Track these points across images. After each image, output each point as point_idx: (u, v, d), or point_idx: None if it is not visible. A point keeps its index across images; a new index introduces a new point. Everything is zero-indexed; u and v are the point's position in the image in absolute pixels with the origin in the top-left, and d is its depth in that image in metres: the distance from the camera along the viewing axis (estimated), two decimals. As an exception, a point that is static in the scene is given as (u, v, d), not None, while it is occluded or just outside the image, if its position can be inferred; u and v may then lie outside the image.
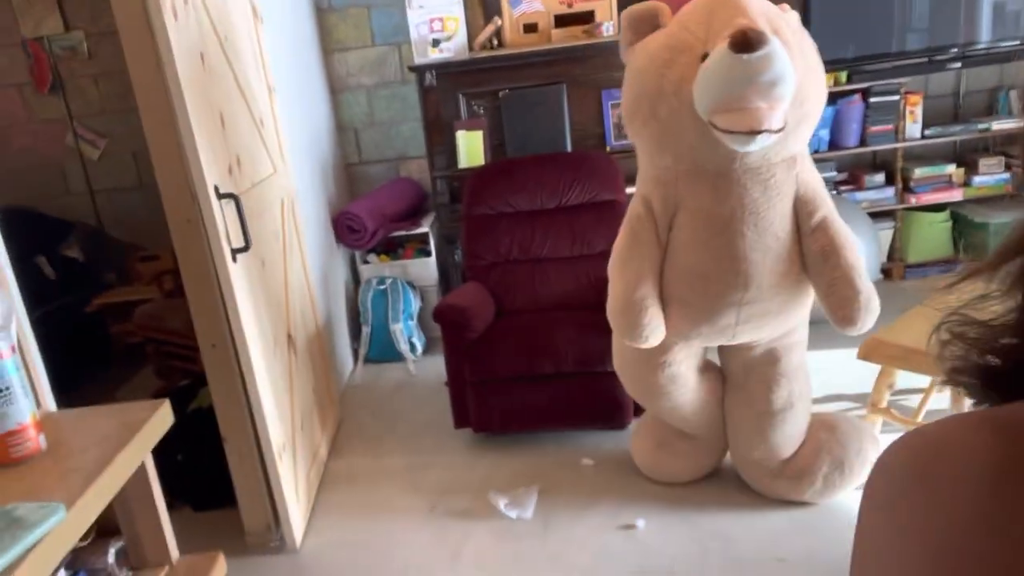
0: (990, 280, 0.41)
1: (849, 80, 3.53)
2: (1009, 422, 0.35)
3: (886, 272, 3.84)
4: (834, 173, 3.72)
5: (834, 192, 3.69)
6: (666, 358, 2.11)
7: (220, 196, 1.98)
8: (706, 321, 1.99)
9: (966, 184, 3.71)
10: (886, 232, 3.80)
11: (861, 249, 3.12)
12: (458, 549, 2.21)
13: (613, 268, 2.07)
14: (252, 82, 2.45)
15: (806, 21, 3.38)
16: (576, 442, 2.65)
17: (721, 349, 2.25)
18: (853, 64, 3.52)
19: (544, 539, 2.20)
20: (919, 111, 3.61)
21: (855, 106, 3.59)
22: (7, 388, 0.90)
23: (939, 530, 0.33)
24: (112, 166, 3.88)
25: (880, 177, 3.72)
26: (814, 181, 1.96)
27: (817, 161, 3.61)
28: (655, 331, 1.96)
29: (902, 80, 3.55)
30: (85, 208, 3.91)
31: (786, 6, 1.91)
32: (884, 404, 2.38)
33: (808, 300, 2.05)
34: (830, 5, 3.43)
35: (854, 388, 2.73)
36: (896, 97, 3.56)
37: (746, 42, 1.56)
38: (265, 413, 2.12)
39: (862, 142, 3.64)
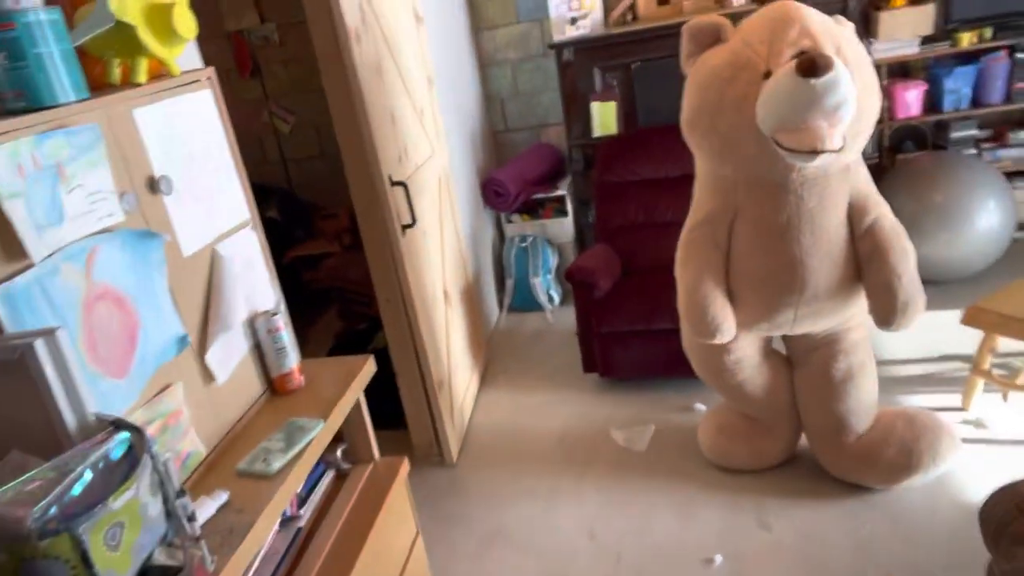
0: None
1: (995, 37, 3.46)
2: None
3: (1029, 231, 3.78)
4: (976, 131, 3.68)
5: (975, 151, 3.67)
6: (730, 344, 2.26)
7: (392, 184, 2.48)
8: (766, 319, 2.15)
9: (1125, 140, 3.55)
10: (1031, 190, 3.72)
11: (992, 208, 3.17)
12: (582, 473, 2.66)
13: (677, 271, 2.22)
14: (415, 78, 2.91)
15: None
16: (689, 389, 3.00)
17: (784, 336, 2.36)
18: (999, 19, 3.44)
19: (654, 470, 2.60)
20: (1073, 66, 3.48)
21: (1001, 63, 3.51)
22: (284, 347, 1.44)
23: None
24: (299, 138, 4.56)
25: (1026, 134, 3.64)
26: (866, 185, 2.06)
27: (958, 120, 3.63)
28: (722, 328, 2.10)
29: (1054, 34, 3.43)
30: (279, 175, 4.64)
31: (841, 18, 1.98)
32: (986, 366, 2.53)
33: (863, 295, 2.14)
34: (974, -39, 3.36)
35: (965, 348, 2.86)
36: (1047, 52, 3.45)
37: (813, 67, 1.67)
38: (428, 355, 2.66)
39: (1007, 99, 3.57)
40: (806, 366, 2.35)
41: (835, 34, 1.87)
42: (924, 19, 3.42)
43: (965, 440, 2.43)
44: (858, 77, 1.85)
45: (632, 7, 3.64)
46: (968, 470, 2.30)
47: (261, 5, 4.29)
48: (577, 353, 3.17)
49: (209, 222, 1.37)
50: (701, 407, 2.88)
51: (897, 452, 2.21)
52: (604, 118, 3.72)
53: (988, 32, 3.46)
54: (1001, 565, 1.46)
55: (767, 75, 1.83)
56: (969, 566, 1.95)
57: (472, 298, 3.44)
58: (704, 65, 1.97)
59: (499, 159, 4.35)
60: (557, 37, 3.67)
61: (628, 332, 3.02)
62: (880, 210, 2.05)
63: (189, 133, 1.34)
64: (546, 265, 3.98)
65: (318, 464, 1.56)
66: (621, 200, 3.41)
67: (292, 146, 4.60)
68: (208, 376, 1.32)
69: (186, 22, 1.24)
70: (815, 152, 1.77)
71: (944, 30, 3.48)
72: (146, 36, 1.18)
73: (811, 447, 2.43)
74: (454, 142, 3.57)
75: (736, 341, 2.27)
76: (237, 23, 4.34)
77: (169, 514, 0.95)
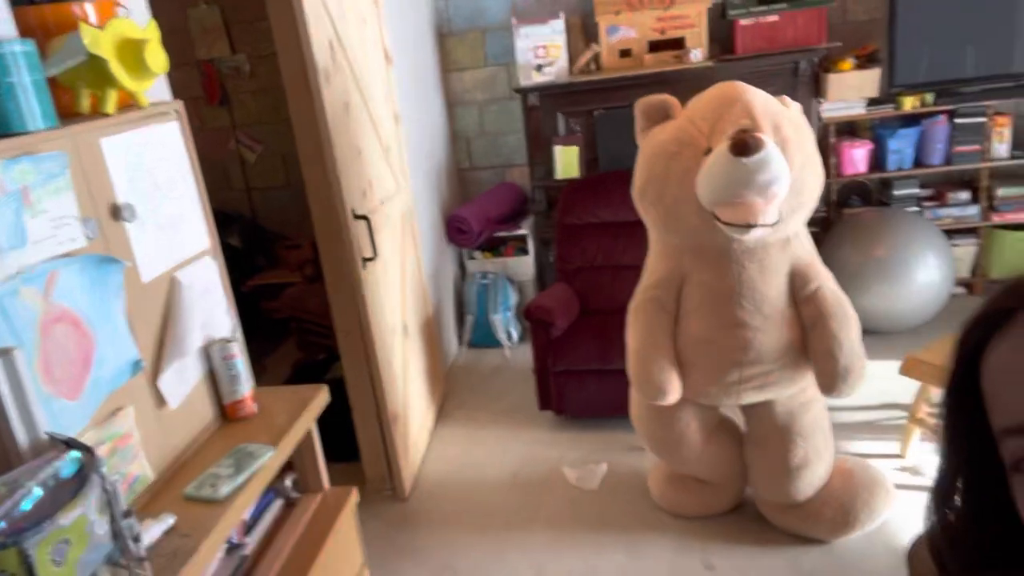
0: None
1: (936, 102, 3.67)
2: None
3: (968, 286, 3.97)
4: (917, 190, 3.87)
5: (916, 208, 3.86)
6: (678, 414, 2.30)
7: (356, 217, 2.52)
8: (714, 382, 2.17)
9: (1054, 204, 3.77)
10: (970, 248, 3.92)
11: (932, 264, 3.32)
12: (534, 510, 2.68)
13: (628, 332, 2.27)
14: (382, 115, 2.98)
15: (892, 45, 3.59)
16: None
17: (743, 410, 2.39)
18: (938, 86, 3.66)
19: (605, 510, 2.64)
20: (1007, 132, 3.70)
21: (941, 126, 3.72)
22: (238, 374, 1.46)
23: None
24: (265, 167, 4.59)
25: (965, 194, 3.84)
26: (808, 255, 2.14)
27: (901, 178, 3.82)
28: (666, 388, 2.13)
29: (989, 102, 3.65)
30: (243, 203, 4.65)
31: (787, 98, 2.09)
32: (922, 415, 2.64)
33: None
34: (915, 29, 3.58)
35: (904, 397, 2.97)
36: (983, 119, 3.67)
37: (744, 147, 1.76)
38: (385, 388, 2.68)
39: (947, 161, 3.77)
40: (760, 447, 2.35)
41: (775, 113, 1.96)
42: (870, 82, 3.62)
43: (901, 486, 2.52)
44: (798, 154, 1.94)
45: (595, 58, 3.78)
46: (904, 516, 2.39)
47: (233, 36, 4.34)
48: (534, 390, 3.21)
49: (170, 249, 1.40)
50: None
51: (835, 512, 2.28)
52: (567, 161, 3.82)
53: (929, 97, 3.67)
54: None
55: (707, 152, 1.92)
56: (900, 607, 2.01)
57: (431, 333, 3.48)
58: (653, 139, 2.10)
59: (463, 196, 4.43)
60: (523, 82, 3.79)
61: (584, 371, 3.08)
62: (822, 280, 2.11)
63: (155, 163, 1.38)
64: (506, 303, 4.03)
65: (267, 492, 1.58)
66: (581, 241, 3.50)
67: (257, 175, 4.62)
68: (160, 400, 1.33)
69: (157, 57, 1.28)
70: (750, 226, 1.86)
71: (889, 93, 3.68)
72: (117, 70, 1.23)
73: (756, 502, 2.49)
74: (419, 178, 3.64)
75: (683, 412, 2.30)
76: (208, 52, 4.38)
77: (115, 534, 0.96)
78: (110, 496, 0.94)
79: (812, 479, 2.29)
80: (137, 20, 1.36)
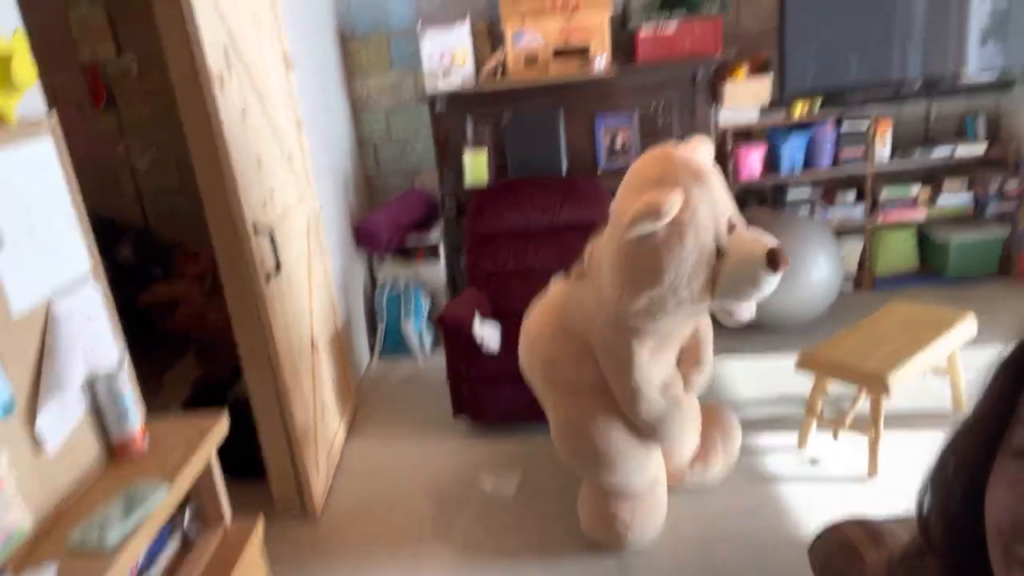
0: None
1: (822, 107, 3.87)
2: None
3: (856, 282, 4.20)
4: (808, 192, 4.07)
5: (808, 210, 4.05)
6: (618, 418, 2.27)
7: (256, 231, 2.42)
8: None
9: (931, 204, 4.04)
10: (856, 246, 4.15)
11: (822, 262, 3.52)
12: (451, 521, 2.65)
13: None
14: (282, 122, 2.87)
15: (782, 53, 3.76)
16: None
17: None
18: (826, 92, 3.85)
19: (521, 517, 2.64)
20: (888, 136, 3.94)
21: (828, 132, 3.92)
22: (126, 410, 1.36)
23: None
24: (158, 173, 4.35)
25: (851, 195, 4.06)
26: None
27: (794, 184, 4.00)
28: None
29: (872, 108, 3.87)
30: (135, 212, 4.39)
31: (704, 138, 2.14)
32: (817, 408, 2.78)
33: None
34: (803, 37, 3.76)
35: (801, 391, 3.11)
36: (866, 125, 3.89)
37: (780, 263, 1.87)
38: (293, 406, 2.58)
39: (835, 163, 3.98)
40: None
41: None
42: (763, 90, 3.78)
43: (801, 479, 2.65)
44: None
45: (502, 64, 3.78)
46: (805, 506, 2.50)
47: (119, 35, 4.10)
48: (447, 399, 3.18)
49: (45, 276, 1.29)
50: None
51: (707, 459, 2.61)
52: (476, 168, 3.81)
53: (817, 103, 3.86)
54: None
55: (719, 252, 1.95)
56: (803, 597, 2.10)
57: (341, 344, 3.39)
58: (670, 242, 1.93)
59: (371, 202, 4.34)
60: (430, 87, 3.74)
61: (497, 376, 3.07)
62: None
63: (25, 184, 1.27)
64: (418, 310, 3.98)
65: (163, 529, 1.48)
66: (492, 247, 3.49)
67: (150, 181, 4.38)
68: (37, 443, 1.23)
69: (25, 71, 1.18)
70: (752, 318, 2.18)
71: (780, 100, 3.85)
72: (-22, 85, 1.12)
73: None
74: (326, 186, 3.54)
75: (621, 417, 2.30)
76: (92, 53, 4.11)
77: (-17, 601, 0.88)
78: (-24, 560, 0.85)
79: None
80: (2, 32, 1.25)
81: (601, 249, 2.20)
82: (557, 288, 2.51)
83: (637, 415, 2.21)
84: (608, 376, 2.25)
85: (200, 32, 2.15)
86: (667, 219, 1.86)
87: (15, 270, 1.22)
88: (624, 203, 2.01)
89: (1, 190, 1.21)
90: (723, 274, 1.96)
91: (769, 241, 1.95)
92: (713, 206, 1.95)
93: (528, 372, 2.52)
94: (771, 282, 1.93)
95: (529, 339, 2.49)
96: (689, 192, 1.91)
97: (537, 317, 2.50)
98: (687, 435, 2.50)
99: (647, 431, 2.24)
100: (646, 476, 2.37)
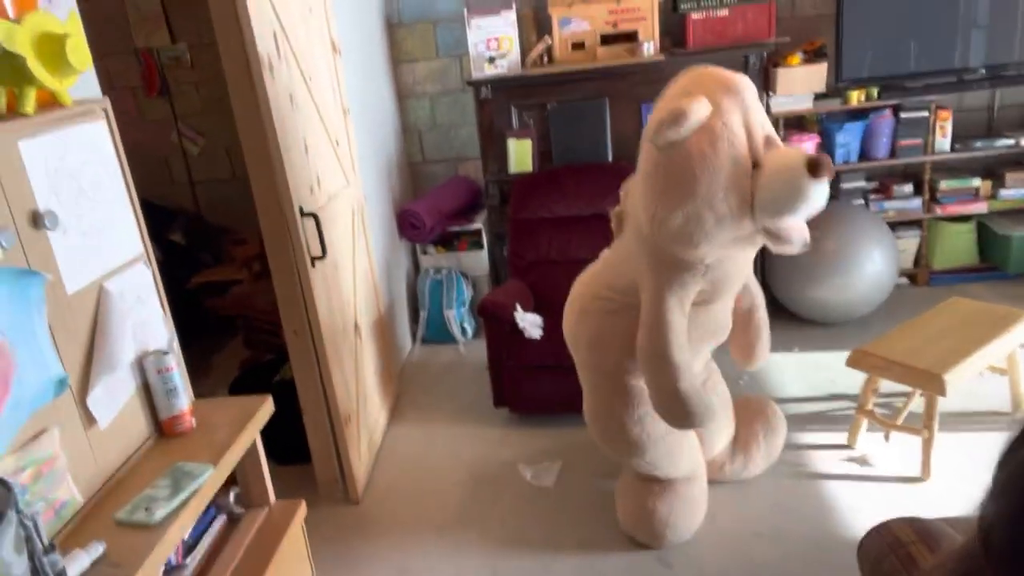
0: None
1: (880, 96, 3.74)
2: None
3: (911, 277, 4.06)
4: (863, 183, 3.94)
5: (862, 201, 3.93)
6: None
7: (303, 215, 2.44)
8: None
9: (992, 197, 3.88)
10: (913, 240, 4.01)
11: (877, 256, 3.43)
12: (489, 510, 2.66)
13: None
14: (330, 108, 2.89)
15: (838, 39, 3.64)
16: (597, 425, 3.05)
17: None
18: (884, 81, 3.72)
19: (560, 507, 2.63)
20: (948, 126, 3.78)
21: (885, 120, 3.78)
22: (174, 388, 1.39)
23: None
24: (209, 160, 4.44)
25: (908, 187, 3.92)
26: None
27: (848, 172, 3.88)
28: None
29: (932, 97, 3.72)
30: (186, 197, 4.49)
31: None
32: (869, 407, 2.69)
33: None
34: (860, 24, 3.63)
35: (852, 388, 3.03)
36: (925, 113, 3.74)
37: (823, 169, 1.73)
38: (336, 389, 2.61)
39: (892, 154, 3.84)
40: None
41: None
42: (817, 77, 3.66)
43: (851, 477, 2.57)
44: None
45: (548, 50, 3.74)
46: (852, 506, 2.43)
47: (172, 25, 4.18)
48: (488, 387, 3.18)
49: (97, 257, 1.32)
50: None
51: (747, 453, 2.58)
52: (520, 155, 3.78)
53: (875, 91, 3.73)
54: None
55: (755, 166, 1.85)
56: (850, 599, 2.05)
57: (384, 330, 3.41)
58: (698, 150, 1.85)
59: (416, 190, 4.35)
60: (476, 74, 3.72)
61: (538, 367, 3.05)
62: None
63: (80, 165, 1.29)
64: (460, 298, 3.98)
65: (208, 508, 1.51)
66: (534, 236, 3.47)
67: (201, 168, 4.47)
68: (89, 420, 1.26)
69: (80, 53, 1.20)
70: (806, 244, 1.91)
71: (835, 88, 3.73)
72: (36, 67, 1.14)
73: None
74: (370, 172, 3.56)
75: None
76: (146, 41, 4.20)
77: (35, 572, 0.90)
78: (29, 532, 0.87)
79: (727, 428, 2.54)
80: (58, 13, 1.27)
81: (635, 183, 2.11)
82: (604, 252, 2.44)
83: (655, 380, 2.07)
84: (640, 329, 2.12)
85: (251, 18, 2.17)
86: (691, 123, 1.78)
87: (69, 249, 1.24)
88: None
89: (56, 171, 1.23)
90: (761, 187, 1.83)
91: (809, 150, 1.87)
92: (746, 116, 1.86)
93: (570, 341, 2.45)
94: (814, 191, 1.78)
95: (575, 307, 2.40)
96: (718, 101, 1.83)
97: (587, 279, 2.42)
98: (713, 433, 2.48)
99: (662, 404, 2.09)
100: (680, 465, 2.34)
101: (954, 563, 0.66)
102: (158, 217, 4.25)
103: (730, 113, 1.84)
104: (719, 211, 1.86)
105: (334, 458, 2.75)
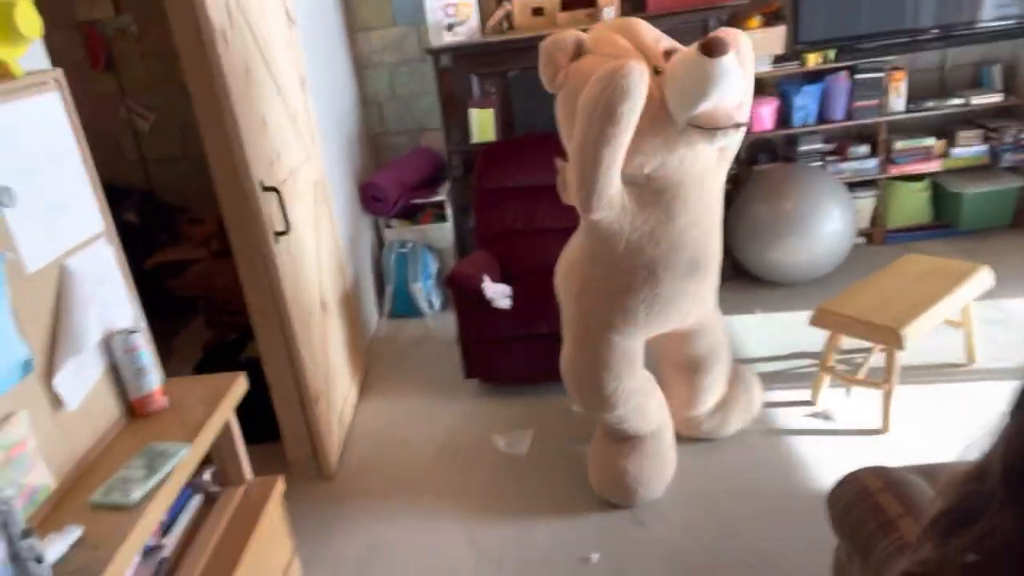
0: None
1: (837, 58, 3.78)
2: None
3: (868, 236, 4.16)
4: (821, 145, 4.00)
5: (820, 163, 3.99)
6: (619, 353, 2.28)
7: (264, 189, 2.39)
8: (669, 305, 2.23)
9: (945, 155, 3.98)
10: (869, 199, 4.09)
11: (836, 216, 3.51)
12: (464, 480, 2.67)
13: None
14: (286, 80, 2.82)
15: (795, 3, 3.66)
16: (567, 393, 3.08)
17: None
18: (841, 42, 3.77)
19: (534, 474, 2.65)
20: (903, 86, 3.85)
21: (842, 82, 3.83)
22: (143, 367, 1.35)
23: None
24: (160, 137, 4.30)
25: (864, 148, 3.99)
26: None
27: (805, 134, 3.93)
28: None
29: (887, 58, 3.78)
30: (138, 175, 4.35)
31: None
32: (831, 363, 2.77)
33: None
34: (818, -11, 3.66)
35: (814, 346, 3.10)
36: (881, 74, 3.80)
37: (720, 45, 1.76)
38: (304, 366, 2.58)
39: (848, 116, 3.90)
40: (681, 369, 2.55)
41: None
42: (775, 39, 3.69)
43: (815, 432, 2.65)
44: None
45: (508, 16, 3.69)
46: (817, 460, 2.51)
47: (116, -6, 4.01)
48: (458, 359, 3.18)
49: (57, 235, 1.27)
50: (577, 408, 2.96)
51: (728, 410, 2.65)
52: (482, 124, 3.75)
53: (832, 54, 3.77)
54: (846, 548, 1.60)
55: (656, 71, 1.93)
56: (821, 549, 2.11)
57: (351, 305, 3.38)
58: (585, 73, 1.96)
59: (377, 161, 4.29)
60: (435, 42, 3.66)
61: (508, 337, 3.06)
62: None
63: (34, 140, 1.24)
64: (426, 271, 3.96)
65: (184, 488, 1.49)
66: (500, 206, 3.45)
67: (153, 145, 4.33)
68: (57, 402, 1.22)
69: (30, 20, 1.14)
70: (737, 126, 1.88)
71: (793, 50, 3.76)
72: (-20, 35, 1.08)
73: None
74: (330, 145, 3.49)
75: (625, 349, 2.29)
76: (88, 13, 4.03)
77: (14, 557, 0.87)
78: (5, 517, 0.85)
79: (719, 389, 2.60)
80: (0, -22, 1.21)
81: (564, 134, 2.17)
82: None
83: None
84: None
85: (201, -16, 2.09)
86: (639, 86, 1.85)
87: (27, 227, 1.19)
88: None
89: (9, 145, 1.18)
90: (667, 85, 1.91)
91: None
92: (634, 38, 2.02)
93: (560, 291, 2.45)
94: (714, 69, 1.79)
95: (565, 256, 2.43)
96: (605, 35, 2.06)
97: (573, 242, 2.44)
98: (706, 390, 2.54)
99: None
100: (648, 420, 2.39)
101: (961, 485, 0.67)
102: (110, 197, 4.07)
103: (617, 42, 2.02)
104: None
105: (305, 435, 2.73)
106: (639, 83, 1.82)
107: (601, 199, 2.00)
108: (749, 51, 2.09)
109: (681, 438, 2.59)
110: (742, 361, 2.89)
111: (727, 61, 1.80)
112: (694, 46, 1.85)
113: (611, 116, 1.84)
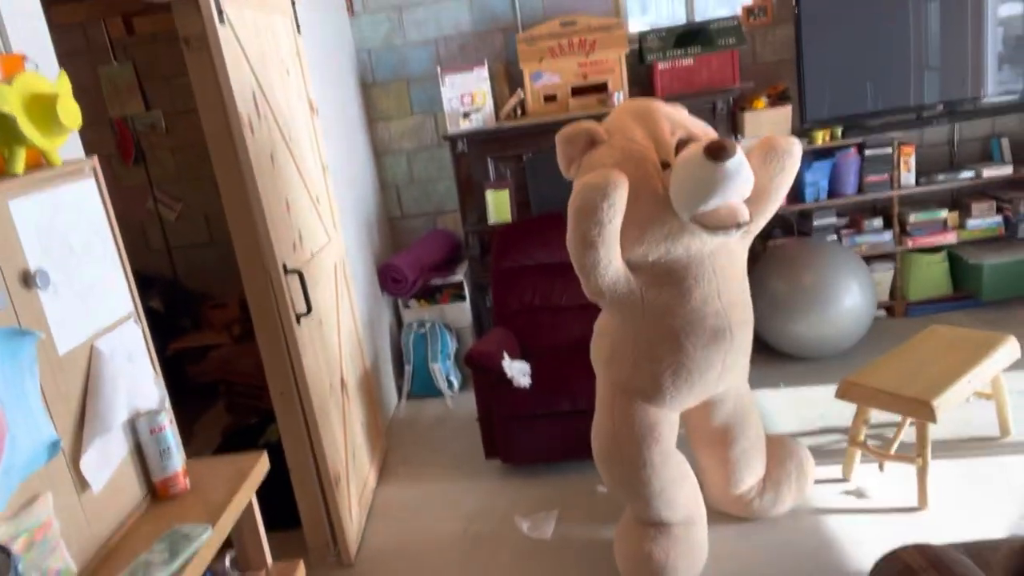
0: None
1: (844, 135, 3.86)
2: None
3: (888, 309, 4.13)
4: (835, 219, 4.03)
5: (834, 237, 4.01)
6: (655, 432, 2.24)
7: (287, 272, 2.43)
8: (699, 380, 2.21)
9: (960, 227, 3.99)
10: (887, 272, 4.09)
11: (855, 289, 3.50)
12: (487, 565, 2.59)
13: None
14: (309, 166, 2.91)
15: (800, 83, 3.76)
16: (591, 471, 3.00)
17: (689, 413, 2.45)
18: (847, 120, 3.85)
19: (560, 558, 2.57)
20: (912, 161, 3.91)
21: (851, 158, 3.90)
22: (168, 448, 1.35)
23: None
24: (186, 225, 4.41)
25: (879, 222, 4.02)
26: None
27: (818, 209, 3.97)
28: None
29: (895, 134, 3.85)
30: (163, 263, 4.45)
31: (679, 106, 2.20)
32: (861, 438, 2.70)
33: None
34: (820, 68, 3.77)
35: (842, 421, 3.03)
36: (889, 150, 3.87)
37: (723, 151, 1.82)
38: (325, 449, 2.55)
39: (860, 190, 3.95)
40: (712, 444, 2.50)
41: (695, 121, 2.10)
42: (783, 119, 3.78)
43: (849, 511, 2.56)
44: None
45: (521, 104, 3.82)
46: (853, 539, 2.41)
47: (147, 93, 4.21)
48: (479, 439, 3.13)
49: (88, 317, 1.29)
50: (602, 489, 2.90)
51: (776, 487, 2.55)
52: (498, 205, 3.82)
53: (839, 131, 3.86)
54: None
55: (664, 165, 1.98)
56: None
57: (370, 386, 3.37)
58: (596, 165, 2.05)
59: (396, 245, 4.36)
60: (451, 129, 3.79)
61: (529, 416, 3.02)
62: None
63: (69, 224, 1.28)
64: (445, 350, 3.96)
65: (206, 574, 1.45)
66: (517, 284, 3.48)
67: (178, 234, 4.44)
68: (83, 484, 1.21)
69: (70, 113, 1.20)
70: (738, 226, 1.92)
71: (801, 129, 3.85)
72: (27, 127, 1.14)
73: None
74: (350, 229, 3.56)
75: (658, 428, 2.26)
76: (121, 110, 4.22)
77: (33, 645, 0.85)
78: (27, 600, 0.83)
79: (755, 463, 2.51)
80: (46, 74, 1.28)
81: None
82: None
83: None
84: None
85: (230, 77, 2.20)
86: (619, 191, 1.91)
87: (60, 309, 1.22)
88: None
89: (46, 231, 1.22)
90: (672, 183, 1.95)
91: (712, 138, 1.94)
92: (652, 129, 2.04)
93: (593, 358, 2.44)
94: (717, 174, 1.84)
95: (598, 324, 2.45)
96: (623, 123, 2.11)
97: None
98: (741, 469, 2.50)
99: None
100: (676, 507, 2.31)
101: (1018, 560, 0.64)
102: (136, 284, 4.20)
103: (632, 130, 2.07)
104: (637, 212, 1.99)
105: (324, 520, 2.67)
106: (614, 197, 1.90)
107: (601, 284, 2.07)
108: (798, 156, 2.13)
109: (724, 517, 2.51)
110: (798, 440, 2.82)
111: (731, 166, 1.85)
112: (700, 146, 1.90)
113: (590, 223, 1.93)
